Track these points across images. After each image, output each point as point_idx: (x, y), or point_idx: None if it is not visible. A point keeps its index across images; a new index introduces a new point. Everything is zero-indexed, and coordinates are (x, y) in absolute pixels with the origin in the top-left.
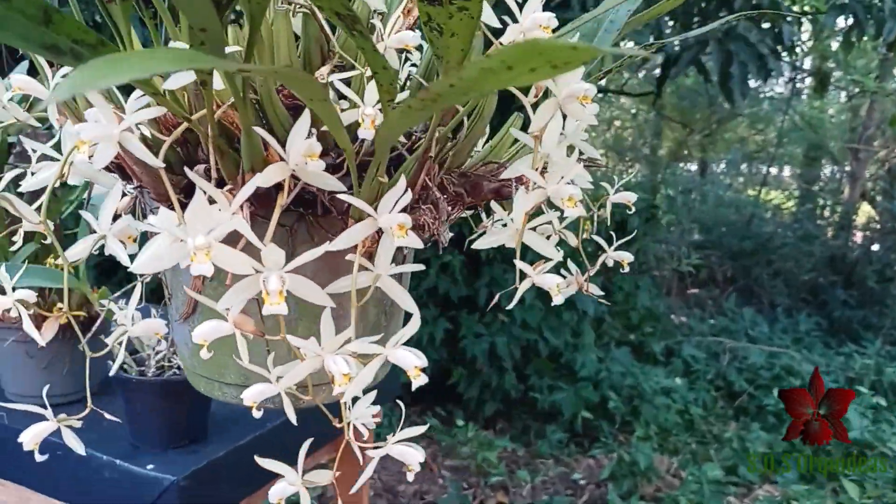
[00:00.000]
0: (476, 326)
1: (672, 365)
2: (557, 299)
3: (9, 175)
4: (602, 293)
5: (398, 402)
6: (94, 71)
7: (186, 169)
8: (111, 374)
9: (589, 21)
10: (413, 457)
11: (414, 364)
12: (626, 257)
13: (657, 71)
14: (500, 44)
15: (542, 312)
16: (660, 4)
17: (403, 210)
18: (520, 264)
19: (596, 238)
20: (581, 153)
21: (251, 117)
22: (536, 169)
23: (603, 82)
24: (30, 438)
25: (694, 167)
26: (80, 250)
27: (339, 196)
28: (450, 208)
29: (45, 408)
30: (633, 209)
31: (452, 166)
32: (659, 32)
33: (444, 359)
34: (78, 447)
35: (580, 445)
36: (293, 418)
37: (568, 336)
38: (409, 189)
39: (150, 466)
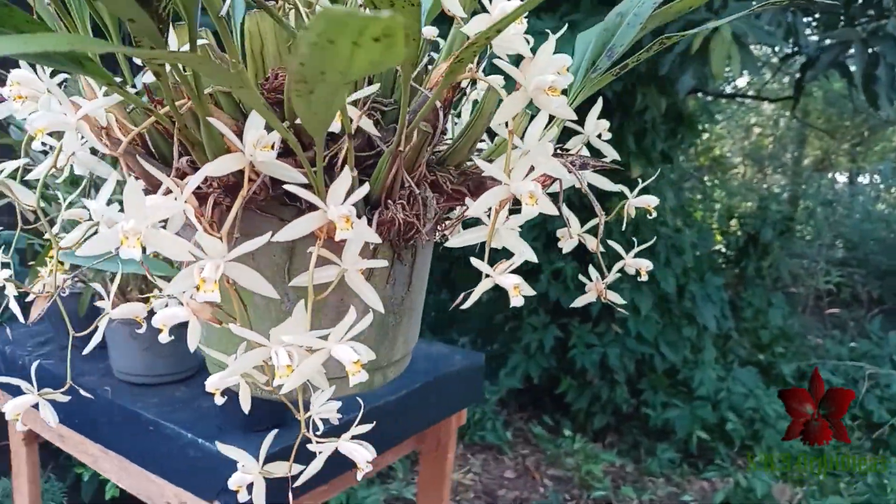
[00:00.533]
0: (588, 336)
1: None
2: (515, 301)
3: (13, 164)
4: (623, 302)
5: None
6: None
7: (139, 158)
8: (84, 351)
9: (613, 15)
10: (361, 455)
11: (351, 359)
12: (644, 265)
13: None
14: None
15: (660, 326)
16: None
17: (376, 205)
18: (476, 262)
19: (611, 243)
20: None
21: (208, 108)
22: (510, 169)
23: (742, 83)
24: (10, 409)
25: (843, 178)
26: (74, 237)
27: (284, 186)
28: (446, 206)
29: (150, 386)
30: (649, 218)
31: (452, 163)
32: (795, 32)
33: (552, 367)
34: (52, 420)
35: (693, 466)
36: (246, 407)
37: (687, 352)
38: (383, 184)
39: None
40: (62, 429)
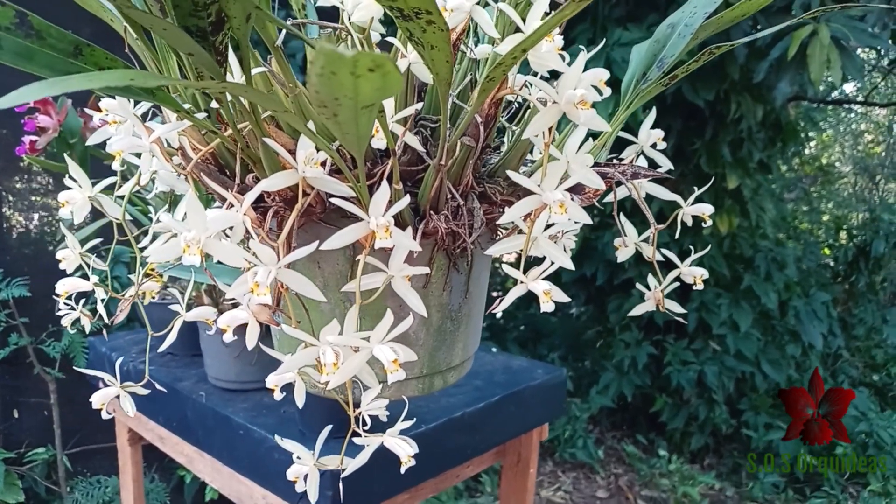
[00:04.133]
0: (683, 353)
1: None
2: (546, 307)
3: (105, 182)
4: (682, 311)
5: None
6: (35, 87)
7: (203, 175)
8: (160, 350)
9: (664, 27)
10: (404, 450)
11: (390, 358)
12: (699, 273)
13: None
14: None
15: (761, 343)
16: (741, 5)
17: (424, 216)
18: (508, 269)
19: (665, 252)
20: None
21: (265, 130)
22: (542, 178)
23: (850, 88)
24: (97, 399)
25: None
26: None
27: (331, 199)
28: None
29: (239, 392)
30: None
31: (503, 175)
32: None
33: (646, 385)
34: (130, 410)
35: (799, 493)
36: (300, 402)
37: (791, 371)
38: (428, 197)
39: None
40: (162, 431)
